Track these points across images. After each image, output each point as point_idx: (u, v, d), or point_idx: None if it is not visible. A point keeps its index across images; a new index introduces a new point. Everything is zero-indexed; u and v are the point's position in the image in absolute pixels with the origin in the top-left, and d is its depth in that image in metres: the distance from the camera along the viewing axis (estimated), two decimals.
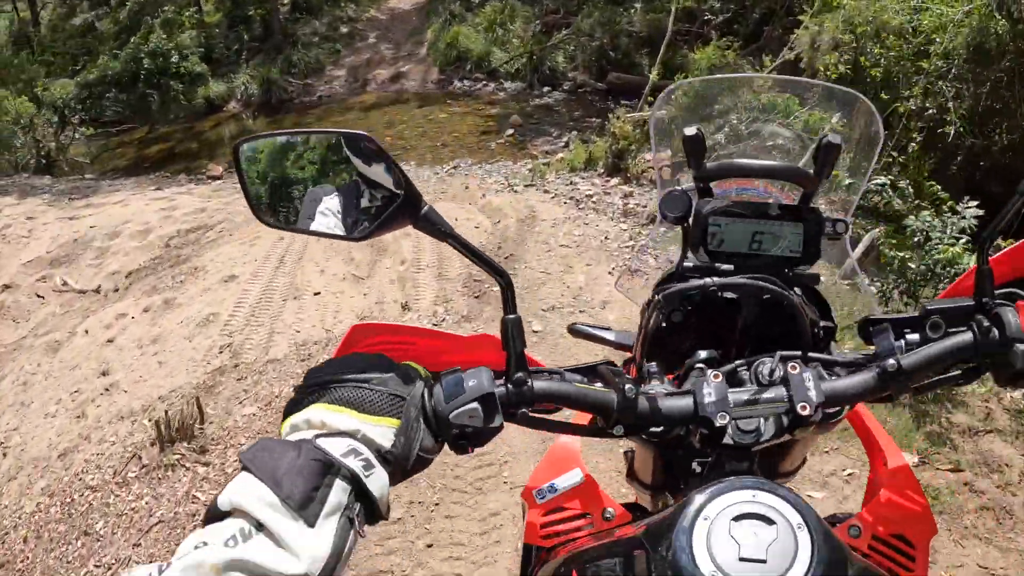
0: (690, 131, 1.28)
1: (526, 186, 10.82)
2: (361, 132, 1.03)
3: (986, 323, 1.02)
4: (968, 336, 1.03)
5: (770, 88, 1.89)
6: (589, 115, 16.46)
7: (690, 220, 1.32)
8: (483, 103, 18.11)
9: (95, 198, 13.15)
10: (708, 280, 1.18)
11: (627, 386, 1.00)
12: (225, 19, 25.15)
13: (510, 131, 15.37)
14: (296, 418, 0.94)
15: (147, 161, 19.10)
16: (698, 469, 1.14)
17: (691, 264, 1.32)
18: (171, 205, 12.25)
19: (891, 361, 1.01)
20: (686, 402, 1.02)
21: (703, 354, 1.18)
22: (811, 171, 1.27)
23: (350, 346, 1.19)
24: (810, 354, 1.11)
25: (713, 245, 1.30)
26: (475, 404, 0.95)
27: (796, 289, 1.25)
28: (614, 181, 10.45)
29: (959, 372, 1.11)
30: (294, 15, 24.56)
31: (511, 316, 1.01)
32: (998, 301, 1.04)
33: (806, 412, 0.96)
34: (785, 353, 1.09)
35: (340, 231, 1.10)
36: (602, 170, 10.95)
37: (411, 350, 1.20)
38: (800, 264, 1.30)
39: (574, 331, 1.73)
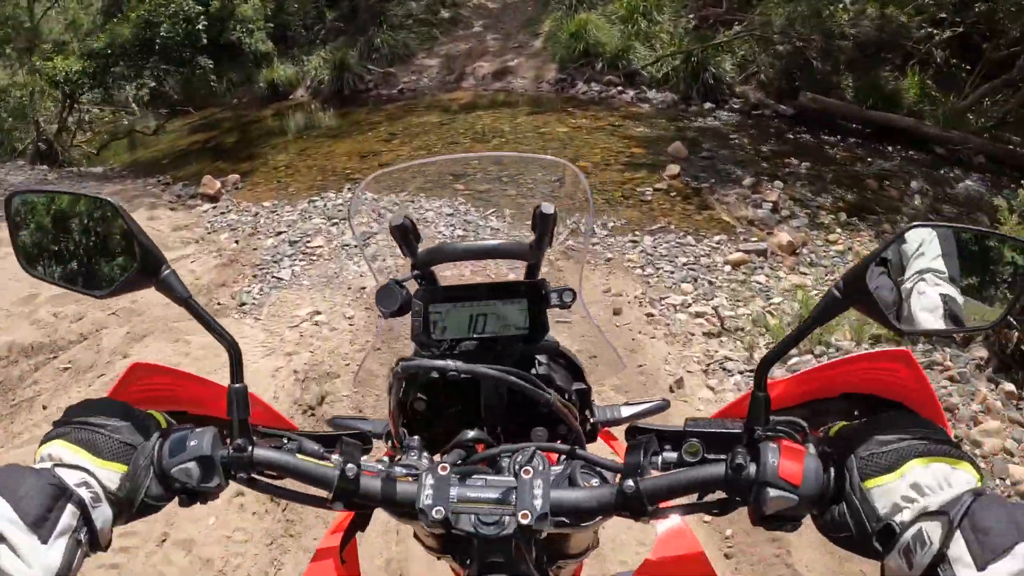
0: (396, 220, 1.20)
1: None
2: (106, 198, 1.10)
3: (740, 460, 0.91)
4: (720, 469, 0.94)
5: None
6: (783, 152, 10.46)
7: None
8: (620, 116, 12.05)
9: None
10: (450, 363, 0.99)
11: (348, 466, 0.96)
12: None
13: (673, 168, 9.07)
14: (43, 449, 0.96)
15: (167, 157, 13.62)
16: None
17: (426, 346, 1.22)
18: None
19: (629, 482, 0.94)
20: (409, 490, 0.96)
21: (470, 434, 1.10)
22: (531, 243, 1.21)
23: (126, 384, 1.14)
24: (579, 451, 1.06)
25: (436, 334, 1.21)
26: (192, 463, 0.95)
27: (540, 360, 1.20)
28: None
29: (714, 500, 0.99)
30: None
31: (237, 385, 1.00)
32: (768, 431, 0.94)
33: (525, 520, 0.90)
34: (551, 447, 1.07)
35: (89, 288, 1.13)
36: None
37: (179, 396, 1.20)
38: (529, 340, 1.20)
39: (334, 424, 1.44)
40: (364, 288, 6.37)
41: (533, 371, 1.19)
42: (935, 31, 11.93)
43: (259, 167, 11.68)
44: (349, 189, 9.58)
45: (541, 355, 1.21)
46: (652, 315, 5.74)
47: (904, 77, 11.90)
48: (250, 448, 0.98)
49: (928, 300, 0.97)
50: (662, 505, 0.96)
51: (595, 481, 1.01)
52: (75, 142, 14.43)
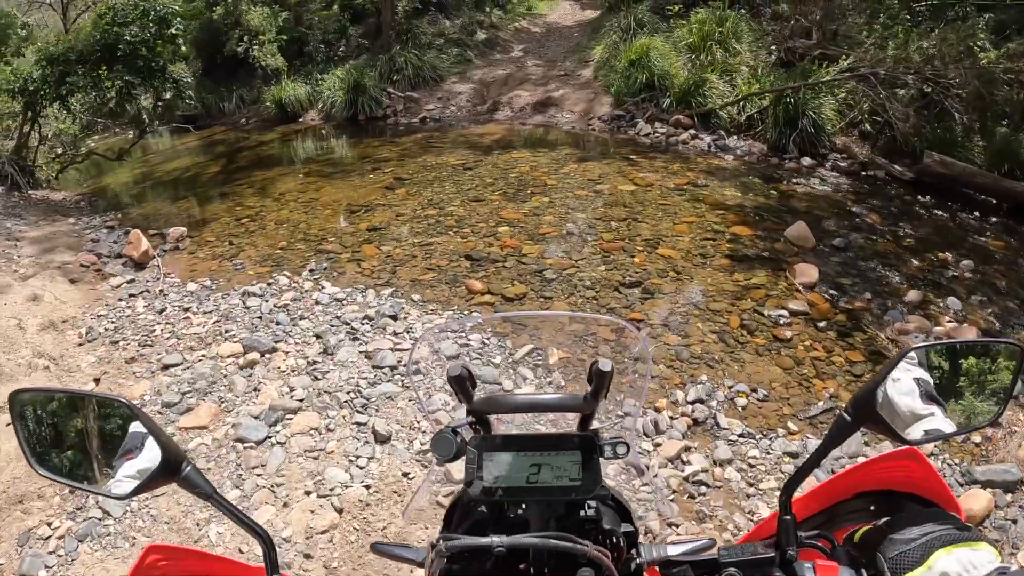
0: (454, 371, 1.11)
1: None
2: (120, 399, 1.01)
3: None
4: None
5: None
6: (927, 239, 6.96)
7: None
8: (700, 171, 8.62)
9: None
10: (495, 540, 0.95)
11: None
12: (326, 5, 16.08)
13: (806, 272, 5.65)
14: None
15: (135, 187, 10.50)
16: None
17: (477, 493, 1.10)
18: None
19: None
20: None
21: None
22: (585, 395, 1.12)
23: (147, 571, 1.01)
24: None
25: (489, 481, 1.09)
26: None
27: (589, 504, 1.09)
28: None
29: None
30: (417, 5, 15.01)
31: None
32: (803, 543, 0.97)
33: None
34: None
35: (106, 490, 1.01)
36: None
37: None
38: (580, 492, 1.08)
39: (376, 550, 1.29)
40: None
41: (582, 513, 1.08)
42: None
43: (221, 215, 8.38)
44: (311, 270, 6.18)
45: (592, 499, 1.09)
46: None
47: None
48: None
49: (930, 411, 0.99)
50: None
51: None
52: (35, 163, 11.12)
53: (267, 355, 4.67)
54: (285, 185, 9.40)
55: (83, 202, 10.22)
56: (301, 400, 4.12)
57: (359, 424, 3.92)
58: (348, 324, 5.03)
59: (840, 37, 11.21)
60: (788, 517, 0.96)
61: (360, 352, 4.61)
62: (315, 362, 4.54)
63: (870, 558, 0.89)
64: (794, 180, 8.39)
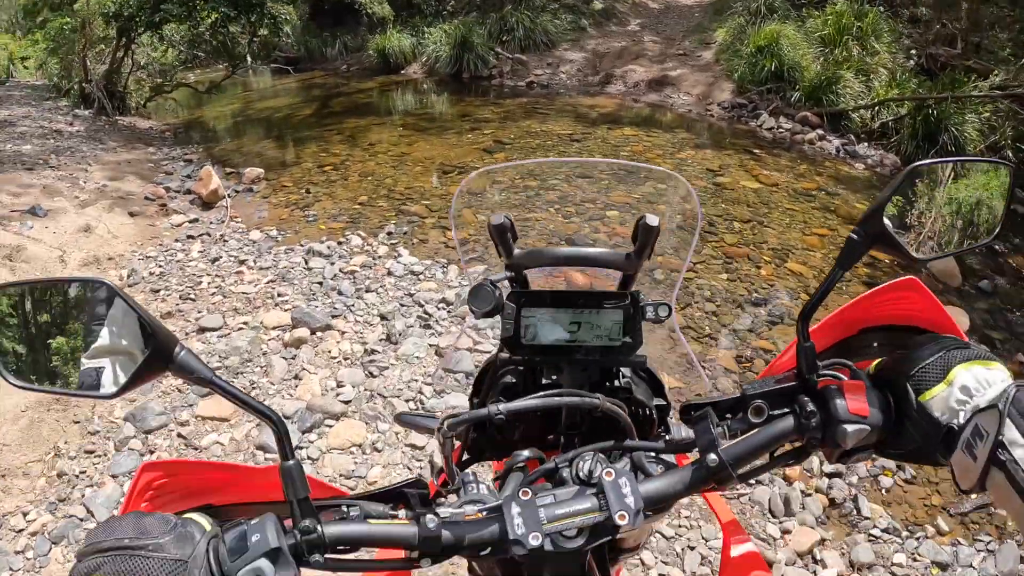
0: (497, 219, 1.06)
1: None
2: (97, 278, 0.78)
3: (810, 406, 0.87)
4: (791, 421, 0.88)
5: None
6: None
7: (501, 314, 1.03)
8: (829, 177, 7.50)
9: None
10: (492, 409, 0.88)
11: (427, 517, 0.78)
12: None
13: (957, 319, 4.51)
14: None
15: (216, 123, 9.69)
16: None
17: (507, 356, 1.05)
18: None
19: (712, 456, 0.84)
20: (494, 525, 0.79)
21: (525, 453, 0.93)
22: (629, 253, 1.07)
23: (143, 491, 0.88)
24: (628, 442, 0.93)
25: (528, 338, 1.03)
26: (262, 561, 0.70)
27: (623, 372, 1.07)
28: None
29: (786, 452, 0.92)
30: None
31: (290, 462, 0.76)
32: (823, 374, 0.90)
33: (624, 521, 0.76)
34: (601, 446, 0.91)
35: (91, 389, 0.80)
36: None
37: (201, 488, 0.93)
38: (621, 352, 1.03)
39: (401, 420, 1.34)
40: None
41: (615, 382, 1.06)
42: None
43: (304, 159, 7.58)
44: (389, 233, 5.25)
45: (625, 367, 1.07)
46: None
47: None
48: (319, 527, 0.76)
49: (937, 227, 1.00)
50: (742, 471, 0.86)
51: (659, 467, 0.90)
52: (126, 88, 10.51)
53: (318, 333, 3.77)
54: (376, 135, 8.52)
55: (168, 132, 9.60)
56: (347, 402, 3.20)
57: (414, 447, 2.96)
58: (421, 306, 4.09)
59: (983, 51, 9.75)
60: (808, 344, 0.88)
61: (430, 346, 3.66)
62: (373, 351, 3.61)
63: (891, 380, 0.86)
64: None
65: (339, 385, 3.30)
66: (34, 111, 9.88)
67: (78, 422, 3.24)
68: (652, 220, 1.00)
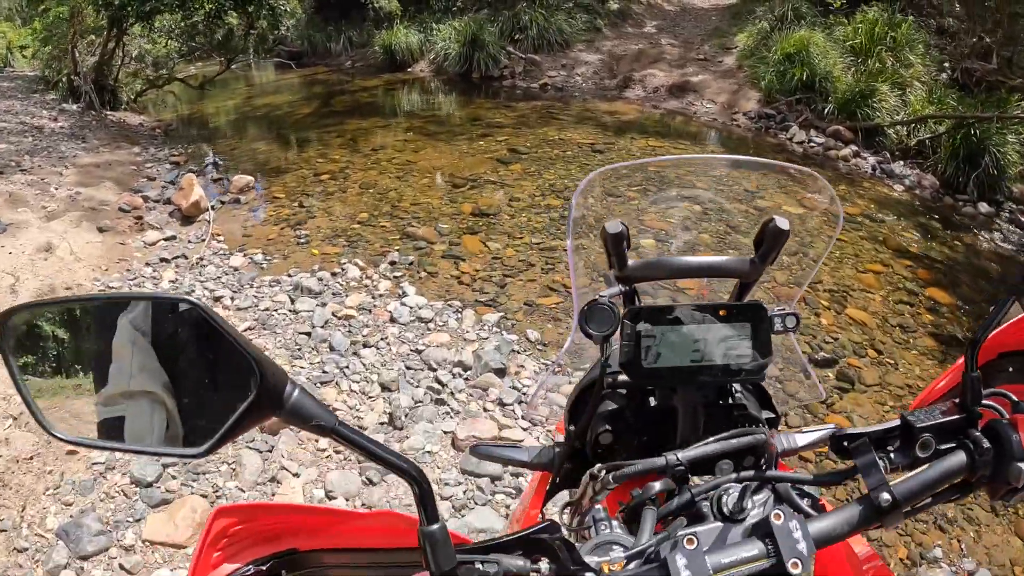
0: (612, 227, 0.94)
1: None
2: (183, 296, 0.57)
3: (985, 443, 0.75)
4: (962, 457, 0.76)
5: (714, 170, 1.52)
6: None
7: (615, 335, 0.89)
8: (870, 200, 6.85)
9: None
10: (671, 459, 0.80)
11: (587, 574, 0.67)
12: None
13: None
14: None
15: (211, 120, 8.99)
16: None
17: (612, 380, 0.94)
18: None
19: (885, 496, 0.73)
20: None
21: (656, 486, 0.81)
22: (753, 259, 0.97)
23: (216, 540, 0.81)
24: (771, 473, 0.79)
25: (649, 361, 0.88)
26: None
27: (735, 388, 0.97)
28: None
29: (948, 487, 0.78)
30: None
31: (433, 527, 0.64)
32: (986, 404, 0.78)
33: (797, 571, 0.66)
34: (745, 476, 0.79)
35: (174, 445, 0.57)
36: None
37: (281, 532, 0.86)
38: (751, 372, 0.89)
39: (477, 453, 1.09)
40: None
41: (729, 400, 0.96)
42: None
43: (300, 165, 6.83)
44: (392, 263, 4.51)
45: (736, 383, 0.97)
46: None
47: None
48: None
49: None
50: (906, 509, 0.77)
51: (805, 500, 0.79)
52: (117, 82, 9.69)
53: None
54: (380, 140, 7.74)
55: (159, 129, 8.81)
56: None
57: None
58: (432, 370, 3.29)
59: (1014, 66, 8.96)
60: (975, 375, 0.76)
61: (444, 433, 2.85)
62: None
63: None
64: (977, 233, 6.34)
65: (328, 495, 2.49)
66: (18, 104, 9.06)
67: (3, 531, 2.43)
68: (783, 223, 0.90)
